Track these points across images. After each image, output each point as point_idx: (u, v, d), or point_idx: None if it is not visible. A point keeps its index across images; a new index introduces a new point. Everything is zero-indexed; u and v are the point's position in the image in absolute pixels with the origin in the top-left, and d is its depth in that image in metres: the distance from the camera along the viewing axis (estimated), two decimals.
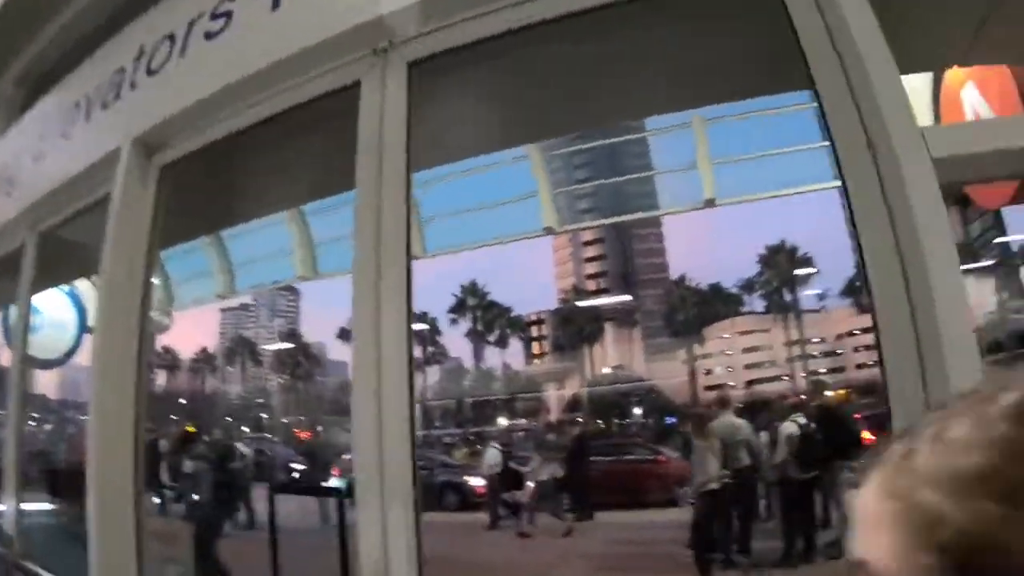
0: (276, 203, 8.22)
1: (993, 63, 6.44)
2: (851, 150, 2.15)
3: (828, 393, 16.72)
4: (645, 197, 16.85)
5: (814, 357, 73.30)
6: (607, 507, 17.45)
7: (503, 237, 16.24)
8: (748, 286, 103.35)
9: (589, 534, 14.88)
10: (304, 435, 61.49)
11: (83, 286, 24.97)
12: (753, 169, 14.74)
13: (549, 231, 15.17)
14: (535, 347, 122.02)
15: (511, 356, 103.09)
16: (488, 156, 14.52)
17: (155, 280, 17.17)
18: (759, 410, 18.53)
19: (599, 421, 73.36)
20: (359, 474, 2.71)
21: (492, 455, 18.46)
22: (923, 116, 13.04)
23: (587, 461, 17.35)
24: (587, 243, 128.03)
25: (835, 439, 10.89)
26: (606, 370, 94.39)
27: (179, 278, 23.42)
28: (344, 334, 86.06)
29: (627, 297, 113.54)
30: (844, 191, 2.16)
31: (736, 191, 14.28)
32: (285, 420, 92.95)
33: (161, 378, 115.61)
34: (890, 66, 2.11)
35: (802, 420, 11.46)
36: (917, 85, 13.12)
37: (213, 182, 5.43)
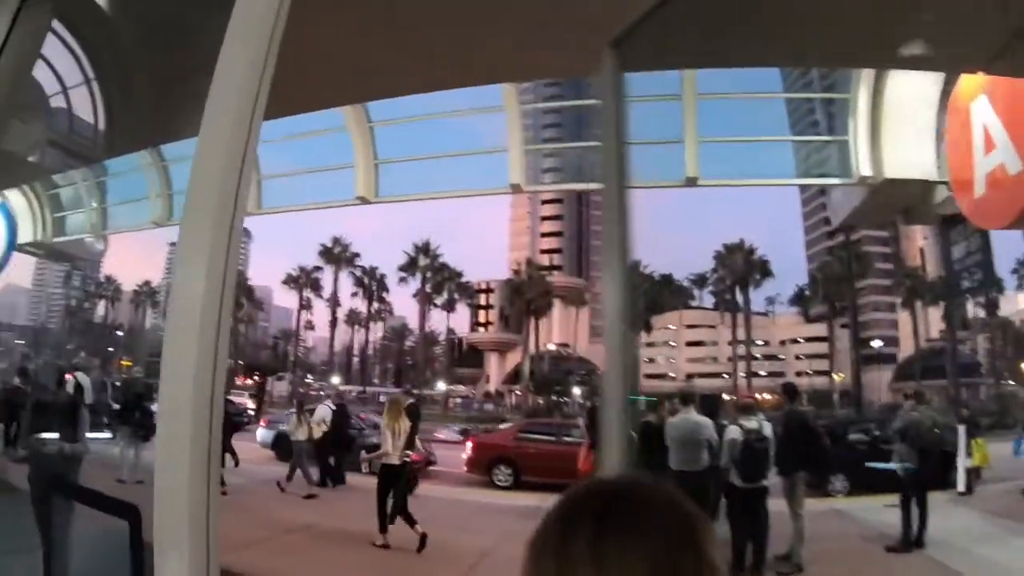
0: None
1: (1016, 76, 5.74)
2: None
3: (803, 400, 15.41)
4: None
5: (756, 359, 72.55)
6: (537, 487, 16.84)
7: (464, 190, 15.38)
8: (700, 280, 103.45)
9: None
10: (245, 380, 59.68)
11: (14, 199, 23.37)
12: (731, 154, 13.91)
13: (516, 189, 14.32)
14: (481, 315, 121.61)
15: (456, 321, 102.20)
16: (452, 96, 13.72)
17: (92, 202, 15.90)
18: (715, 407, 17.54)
19: (539, 398, 72.60)
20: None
21: (322, 412, 16.95)
22: (927, 122, 12.26)
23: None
24: (546, 218, 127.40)
25: (804, 448, 10.04)
26: (551, 346, 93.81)
27: (115, 199, 22.10)
28: (289, 280, 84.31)
29: (579, 280, 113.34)
30: None
31: (715, 174, 13.36)
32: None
33: (102, 309, 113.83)
34: None
35: (753, 424, 10.50)
36: (924, 90, 12.27)
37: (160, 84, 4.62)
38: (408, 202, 16.06)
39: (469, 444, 19.08)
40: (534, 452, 18.22)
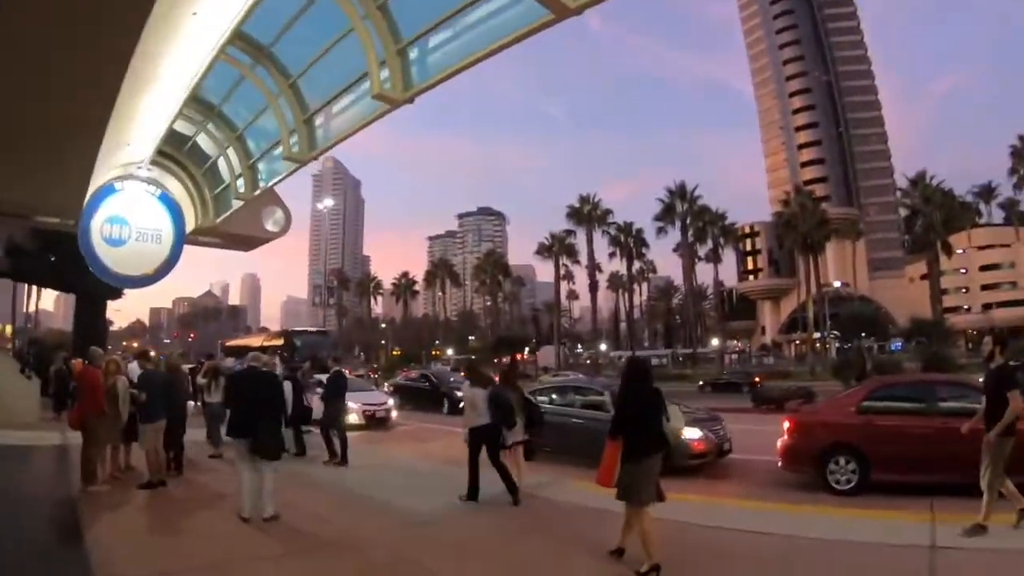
0: None
1: None
2: None
3: None
4: None
5: None
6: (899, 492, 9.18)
7: None
8: (985, 192, 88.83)
9: None
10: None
11: (176, 189, 18.21)
12: None
13: None
14: (749, 262, 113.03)
15: (723, 273, 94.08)
16: None
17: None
18: None
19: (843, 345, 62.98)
20: None
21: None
22: None
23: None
24: (802, 145, 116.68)
25: None
26: (836, 284, 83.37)
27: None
28: (542, 249, 78.66)
29: (850, 209, 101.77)
30: None
31: None
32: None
33: (365, 306, 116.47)
34: None
35: None
36: None
37: None
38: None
39: (786, 424, 11.29)
40: (896, 432, 10.34)
